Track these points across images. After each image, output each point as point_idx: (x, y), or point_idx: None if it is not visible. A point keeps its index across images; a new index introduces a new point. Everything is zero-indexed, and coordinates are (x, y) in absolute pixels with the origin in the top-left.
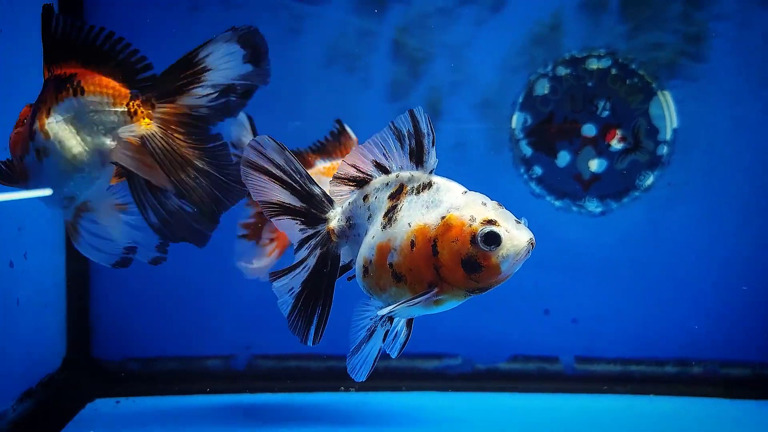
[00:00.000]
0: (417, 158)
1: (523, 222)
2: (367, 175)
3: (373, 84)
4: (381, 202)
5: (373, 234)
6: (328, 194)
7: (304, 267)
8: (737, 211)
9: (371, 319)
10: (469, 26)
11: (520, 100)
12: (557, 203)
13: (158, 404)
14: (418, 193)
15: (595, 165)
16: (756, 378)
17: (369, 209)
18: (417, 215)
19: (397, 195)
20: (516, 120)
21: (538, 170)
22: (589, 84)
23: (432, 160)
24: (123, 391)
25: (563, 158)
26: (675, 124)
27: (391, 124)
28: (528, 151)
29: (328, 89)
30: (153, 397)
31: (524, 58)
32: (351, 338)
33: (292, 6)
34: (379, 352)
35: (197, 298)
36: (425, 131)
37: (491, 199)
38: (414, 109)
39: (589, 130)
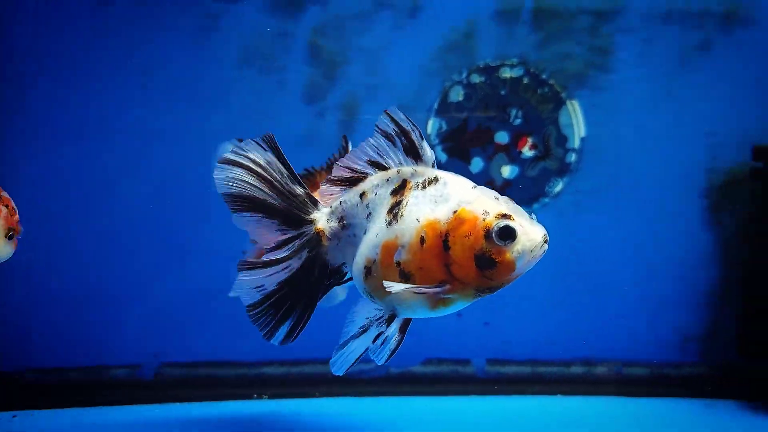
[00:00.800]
0: (413, 154)
1: (534, 218)
2: (362, 173)
3: (289, 86)
4: (382, 199)
5: (377, 232)
6: (312, 195)
7: (286, 268)
8: (641, 216)
9: (367, 318)
10: (385, 31)
11: (436, 106)
12: None
13: (59, 418)
14: (424, 188)
15: (507, 171)
16: (654, 377)
17: (368, 207)
18: (426, 210)
19: (400, 190)
20: (431, 125)
21: None
22: (502, 92)
23: (429, 152)
24: (20, 404)
25: (476, 164)
26: (583, 133)
27: (376, 127)
28: (443, 156)
29: (243, 90)
30: (53, 410)
31: (439, 64)
32: (343, 332)
33: (206, 4)
34: (364, 352)
35: (101, 305)
36: (408, 127)
37: (501, 194)
38: (388, 109)
39: (501, 137)
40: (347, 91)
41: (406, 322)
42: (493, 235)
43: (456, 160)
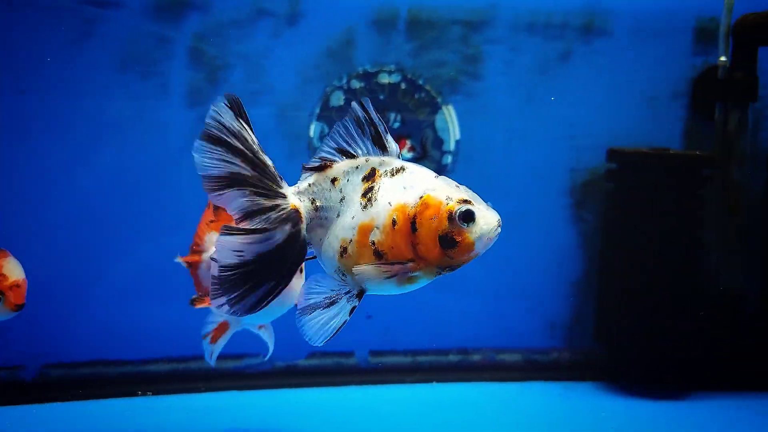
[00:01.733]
0: (380, 145)
1: (490, 205)
2: (328, 160)
3: (171, 91)
4: (355, 185)
5: (353, 214)
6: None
7: (268, 239)
8: (511, 213)
9: (332, 290)
10: (266, 38)
11: (317, 110)
12: None
13: None
14: (393, 175)
15: None
16: (526, 362)
17: (341, 192)
18: (397, 195)
19: (371, 177)
20: (313, 129)
21: None
22: (381, 97)
23: (394, 145)
24: None
25: None
26: (458, 136)
27: (350, 111)
28: None
29: (124, 95)
30: None
31: (320, 70)
32: (301, 304)
33: (83, 9)
34: (342, 325)
35: None
36: (376, 120)
37: (459, 184)
38: (362, 99)
39: None
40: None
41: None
42: (456, 217)
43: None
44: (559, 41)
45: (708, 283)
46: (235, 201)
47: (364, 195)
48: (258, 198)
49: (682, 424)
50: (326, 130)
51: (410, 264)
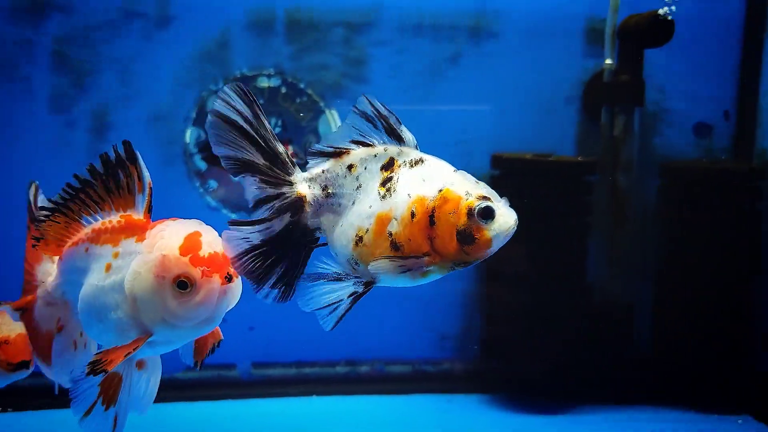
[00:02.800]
0: (395, 135)
1: (506, 202)
2: (344, 148)
3: (35, 95)
4: (373, 173)
5: (370, 203)
6: (291, 158)
7: (267, 228)
8: None
9: (344, 270)
10: (135, 40)
11: (193, 115)
12: (233, 215)
13: None
14: (412, 167)
15: None
16: (415, 374)
17: (358, 179)
18: (415, 187)
19: (390, 167)
20: (189, 135)
21: (213, 184)
22: (261, 101)
23: (410, 136)
24: None
25: None
26: None
27: (354, 108)
28: (202, 165)
29: None
30: None
31: (194, 74)
32: (312, 268)
33: None
34: (334, 302)
35: None
36: (385, 112)
37: (478, 180)
38: (365, 95)
39: None
40: (98, 101)
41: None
42: (475, 213)
43: (216, 168)
44: (448, 43)
45: (594, 294)
46: (248, 189)
47: (382, 184)
48: (266, 186)
49: None
50: (203, 136)
51: (426, 258)
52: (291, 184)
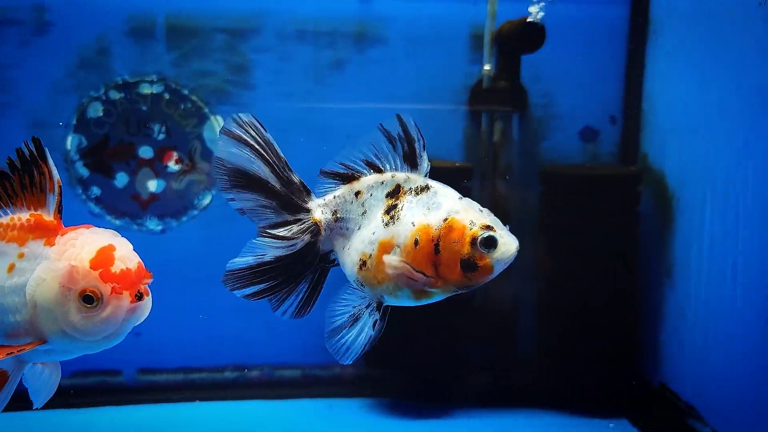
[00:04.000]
0: (410, 161)
1: (508, 229)
2: (356, 171)
3: None
4: (378, 200)
5: (374, 230)
6: (305, 185)
7: (290, 245)
8: None
9: (354, 307)
10: (12, 48)
11: (74, 122)
12: (117, 222)
13: None
14: (417, 194)
15: (153, 185)
16: (305, 378)
17: (363, 205)
18: (419, 215)
19: (395, 194)
20: (70, 142)
21: (96, 190)
22: (144, 108)
23: (425, 164)
24: None
25: (121, 179)
26: None
27: (380, 126)
28: (84, 172)
29: None
30: None
31: (74, 80)
32: (327, 322)
33: None
34: (369, 340)
35: None
36: (415, 136)
37: (482, 207)
38: (400, 114)
39: (145, 152)
40: None
41: (386, 310)
42: (479, 243)
43: (99, 175)
44: (332, 50)
45: (477, 298)
46: (262, 210)
47: (387, 212)
48: (284, 212)
49: None
50: (84, 142)
51: (431, 280)
52: (308, 210)
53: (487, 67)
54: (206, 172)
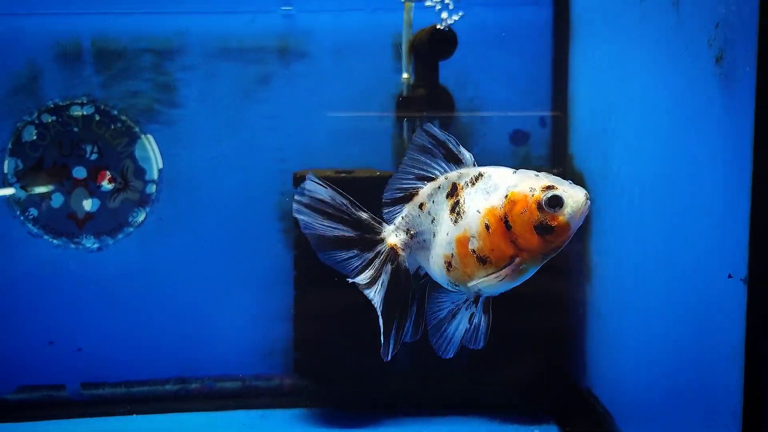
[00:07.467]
0: (453, 159)
1: (571, 183)
2: (412, 188)
3: None
4: (440, 204)
5: (447, 231)
6: (374, 216)
7: (380, 284)
8: (222, 239)
9: (453, 303)
10: None
11: (9, 146)
12: (55, 242)
13: None
14: (473, 184)
15: (89, 205)
16: (246, 390)
17: (430, 214)
18: (481, 202)
19: (453, 193)
20: (7, 165)
21: (33, 211)
22: (76, 129)
23: (467, 155)
24: None
25: (57, 199)
26: (160, 165)
27: (411, 144)
28: (22, 194)
29: None
30: None
31: (8, 106)
32: (429, 317)
33: None
34: (465, 333)
35: None
36: (444, 138)
37: (537, 172)
38: (424, 125)
39: (79, 172)
40: None
41: (487, 303)
42: (544, 205)
43: (35, 197)
44: (257, 65)
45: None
46: (346, 262)
47: (452, 210)
48: (363, 252)
49: None
50: (21, 166)
51: (517, 260)
52: (382, 240)
53: (405, 76)
54: (139, 189)
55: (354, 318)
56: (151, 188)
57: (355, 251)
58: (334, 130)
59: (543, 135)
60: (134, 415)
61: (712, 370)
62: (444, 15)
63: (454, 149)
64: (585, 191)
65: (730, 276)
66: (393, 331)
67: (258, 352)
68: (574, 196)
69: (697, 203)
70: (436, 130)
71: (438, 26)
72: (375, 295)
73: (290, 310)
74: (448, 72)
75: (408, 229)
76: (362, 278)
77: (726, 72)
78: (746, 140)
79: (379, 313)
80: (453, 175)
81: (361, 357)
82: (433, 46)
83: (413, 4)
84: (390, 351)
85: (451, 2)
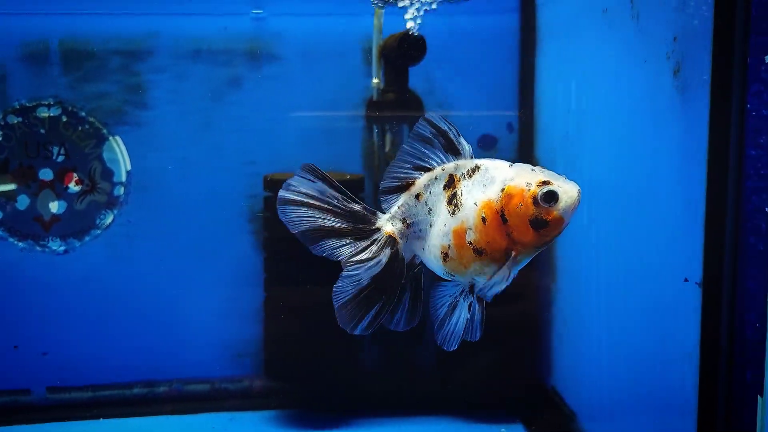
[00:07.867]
0: (452, 150)
1: (565, 177)
2: (409, 178)
3: None
4: (437, 195)
5: (444, 222)
6: (368, 207)
7: (377, 263)
8: (190, 243)
9: (450, 296)
10: None
11: None
12: (20, 244)
13: None
14: (470, 176)
15: (55, 207)
16: (215, 392)
17: (426, 204)
18: (478, 194)
19: (451, 184)
20: None
21: None
22: (42, 131)
23: (466, 147)
24: None
25: (23, 202)
26: (129, 167)
27: (411, 133)
28: None
29: None
30: None
31: None
32: (432, 315)
33: None
34: (466, 322)
35: None
36: (446, 127)
37: (533, 166)
38: (427, 114)
39: (45, 174)
40: None
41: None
42: (540, 200)
43: (1, 198)
44: (227, 67)
45: None
46: (338, 250)
47: (449, 202)
48: (357, 242)
49: None
50: None
51: (513, 253)
52: (378, 229)
53: (375, 81)
54: (107, 192)
55: (324, 319)
56: (119, 190)
57: (349, 239)
58: (303, 133)
59: (510, 140)
60: (101, 419)
61: (670, 370)
62: (410, 24)
63: (454, 139)
64: (578, 187)
65: (686, 280)
66: (373, 311)
67: (227, 354)
68: (568, 191)
69: (655, 209)
70: (437, 119)
71: (409, 32)
72: (363, 272)
73: (260, 311)
74: (417, 78)
75: (404, 219)
76: (357, 258)
77: (683, 84)
78: (702, 149)
79: (356, 290)
80: (450, 166)
81: (332, 358)
82: (403, 52)
83: (383, 10)
84: (360, 327)
85: (419, 10)
